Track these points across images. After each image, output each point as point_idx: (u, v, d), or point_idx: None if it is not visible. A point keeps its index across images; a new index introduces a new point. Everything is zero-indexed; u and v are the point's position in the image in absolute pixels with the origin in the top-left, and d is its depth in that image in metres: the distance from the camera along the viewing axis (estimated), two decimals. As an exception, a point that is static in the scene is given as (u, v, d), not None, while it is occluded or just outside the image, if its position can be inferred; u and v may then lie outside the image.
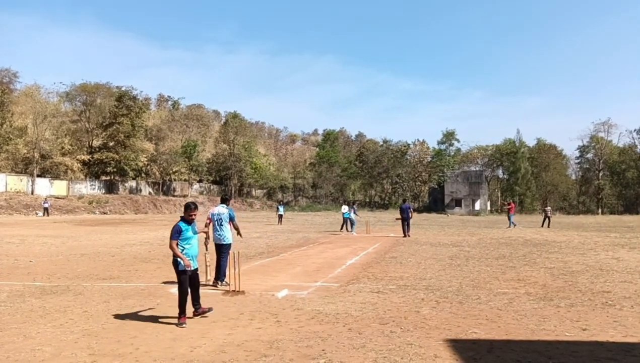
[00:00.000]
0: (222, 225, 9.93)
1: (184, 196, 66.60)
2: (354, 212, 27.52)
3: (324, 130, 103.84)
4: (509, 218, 32.12)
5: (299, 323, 6.96)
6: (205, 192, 73.49)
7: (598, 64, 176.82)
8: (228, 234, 9.97)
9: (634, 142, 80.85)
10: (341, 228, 27.38)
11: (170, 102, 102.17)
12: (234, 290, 9.07)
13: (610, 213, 74.74)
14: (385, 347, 5.78)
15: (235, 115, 78.34)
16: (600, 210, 77.45)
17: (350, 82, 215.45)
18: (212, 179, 75.21)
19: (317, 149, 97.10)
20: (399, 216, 24.29)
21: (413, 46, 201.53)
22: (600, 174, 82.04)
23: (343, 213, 27.50)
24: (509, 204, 34.02)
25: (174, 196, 66.85)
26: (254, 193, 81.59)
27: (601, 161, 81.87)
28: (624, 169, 79.37)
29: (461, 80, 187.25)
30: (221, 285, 9.77)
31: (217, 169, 74.35)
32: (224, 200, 10.39)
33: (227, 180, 74.65)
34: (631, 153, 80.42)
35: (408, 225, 23.85)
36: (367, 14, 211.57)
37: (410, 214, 24.05)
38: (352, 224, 26.44)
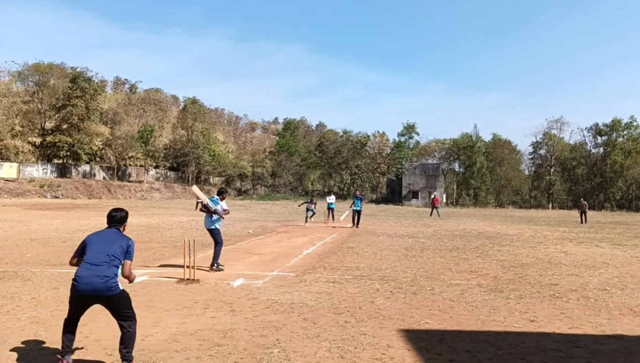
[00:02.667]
0: (209, 214, 10.71)
1: (140, 182, 65.34)
2: (313, 203, 27.57)
3: (285, 119, 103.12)
4: (436, 209, 38.21)
5: (254, 312, 6.93)
6: (161, 179, 72.22)
7: (554, 63, 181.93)
8: (211, 221, 10.66)
9: (585, 139, 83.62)
10: (327, 219, 26.92)
11: (127, 85, 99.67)
12: (188, 279, 8.95)
13: (560, 208, 77.12)
14: (339, 337, 5.82)
15: (194, 101, 76.99)
16: (550, 205, 79.86)
17: (315, 71, 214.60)
18: (168, 165, 73.98)
19: (277, 138, 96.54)
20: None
21: (380, 37, 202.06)
22: (552, 170, 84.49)
23: (329, 204, 27.36)
24: (434, 198, 40.98)
25: (129, 182, 65.45)
26: (211, 180, 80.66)
27: (553, 157, 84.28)
28: (574, 166, 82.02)
29: (426, 73, 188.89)
30: (213, 269, 10.39)
31: (174, 155, 73.07)
32: (219, 193, 11.14)
33: (185, 167, 73.53)
34: (581, 150, 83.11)
35: (359, 216, 23.85)
36: (335, 3, 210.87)
37: (361, 205, 24.04)
38: (312, 214, 26.36)
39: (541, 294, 8.70)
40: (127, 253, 4.76)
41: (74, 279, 4.56)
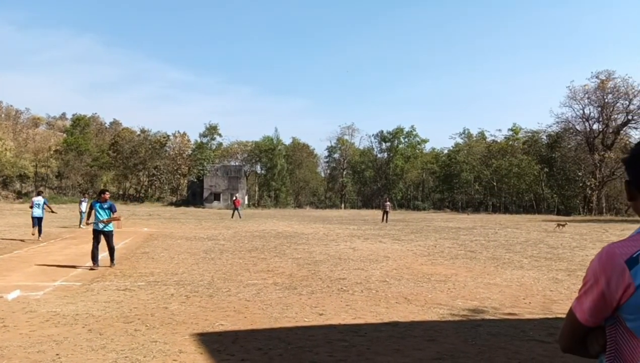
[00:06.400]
0: (39, 207, 17.41)
1: None
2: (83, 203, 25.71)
3: (74, 115, 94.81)
4: (237, 210, 39.11)
5: (31, 327, 6.25)
6: None
7: (349, 73, 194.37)
8: (42, 212, 17.46)
9: (372, 145, 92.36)
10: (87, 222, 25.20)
11: None
12: (-52, 295, 7.74)
13: (351, 207, 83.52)
14: (127, 347, 5.51)
15: (-37, 91, 67.15)
16: (343, 205, 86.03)
17: (111, 65, 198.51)
18: None
19: (65, 135, 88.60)
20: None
21: (185, 35, 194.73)
22: (344, 173, 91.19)
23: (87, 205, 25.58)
24: (235, 199, 41.82)
25: None
26: (-15, 182, 71.03)
27: (345, 161, 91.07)
28: (363, 169, 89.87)
29: (231, 75, 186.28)
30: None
31: (-63, 152, 62.82)
32: (39, 193, 18.37)
33: (-49, 167, 63.65)
34: (369, 155, 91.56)
35: (107, 236, 11.99)
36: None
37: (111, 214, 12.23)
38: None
39: (330, 288, 9.27)
40: None
41: None
